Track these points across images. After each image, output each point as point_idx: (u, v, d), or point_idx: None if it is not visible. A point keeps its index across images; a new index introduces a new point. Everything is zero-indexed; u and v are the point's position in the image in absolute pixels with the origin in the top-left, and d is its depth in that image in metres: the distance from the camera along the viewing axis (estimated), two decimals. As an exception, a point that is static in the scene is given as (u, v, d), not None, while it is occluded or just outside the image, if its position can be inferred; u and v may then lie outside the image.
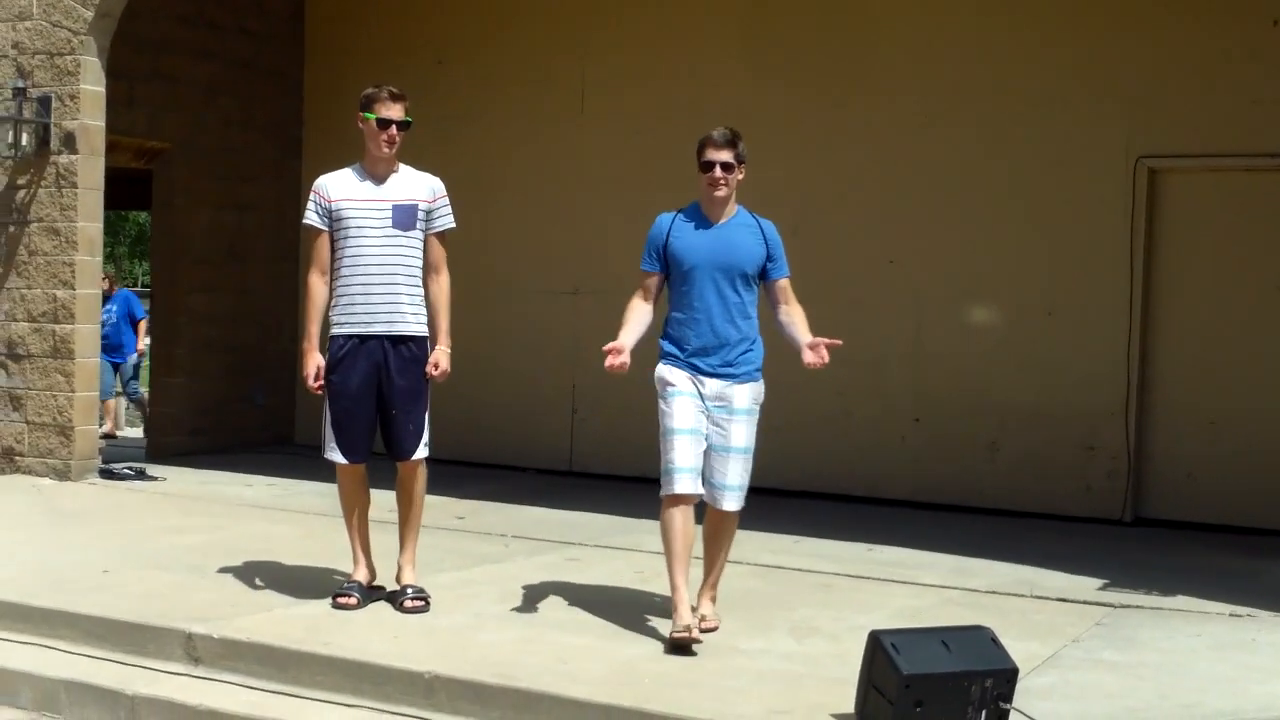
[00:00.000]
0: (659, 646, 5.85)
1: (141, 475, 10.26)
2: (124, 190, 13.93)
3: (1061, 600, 7.01)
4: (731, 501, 6.04)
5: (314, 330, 6.43)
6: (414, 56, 11.89)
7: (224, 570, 7.09)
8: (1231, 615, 6.73)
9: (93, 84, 10.10)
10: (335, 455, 6.43)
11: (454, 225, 6.53)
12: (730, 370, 5.99)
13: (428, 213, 6.43)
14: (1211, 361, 9.49)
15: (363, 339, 6.33)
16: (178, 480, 10.25)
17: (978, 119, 10.00)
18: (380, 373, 6.35)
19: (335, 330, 6.39)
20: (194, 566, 7.18)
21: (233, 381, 12.09)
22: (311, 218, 6.44)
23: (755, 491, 9.77)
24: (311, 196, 6.44)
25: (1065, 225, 9.79)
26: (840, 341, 5.94)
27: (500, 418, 11.63)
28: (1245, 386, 9.39)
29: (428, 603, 6.38)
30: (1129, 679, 5.57)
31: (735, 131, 6.03)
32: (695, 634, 5.73)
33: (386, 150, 6.37)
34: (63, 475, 10.01)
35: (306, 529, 8.48)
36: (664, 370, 6.04)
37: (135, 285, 55.06)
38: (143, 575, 6.97)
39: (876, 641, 4.78)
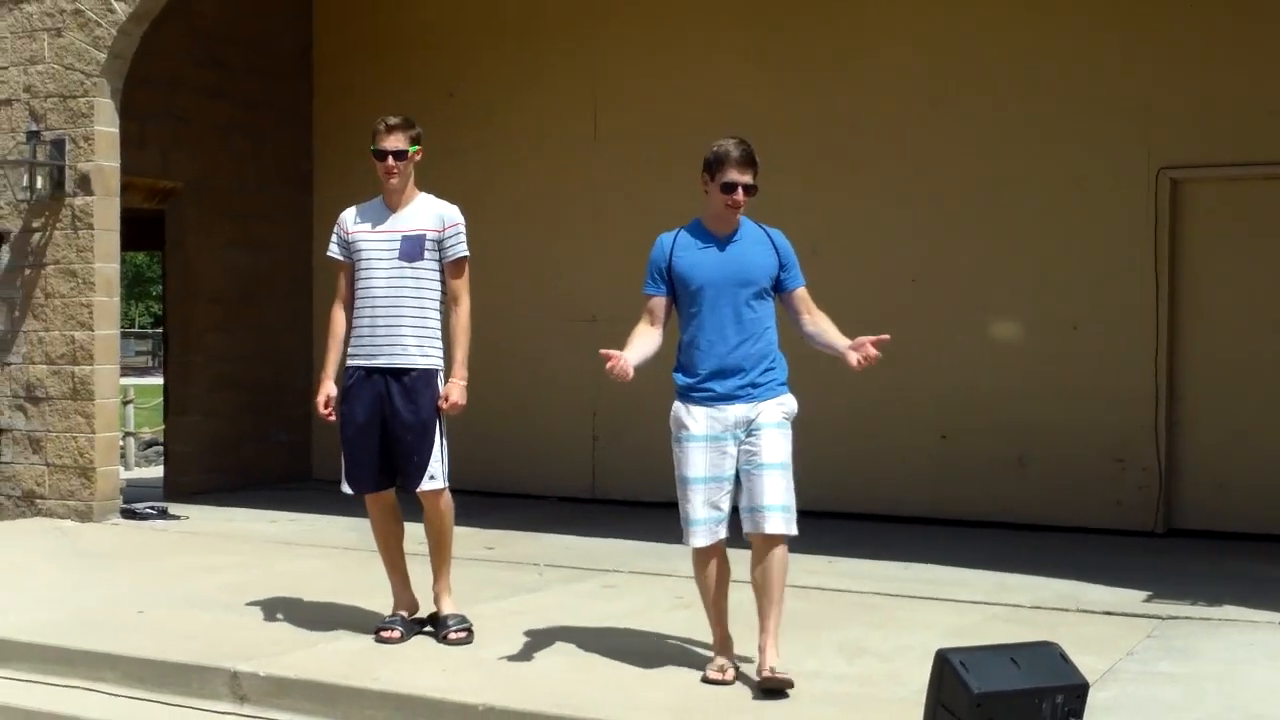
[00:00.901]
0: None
1: (164, 514, 10.19)
2: (128, 231, 13.90)
3: (1108, 614, 6.95)
4: (776, 522, 5.47)
5: (331, 359, 6.46)
6: (424, 89, 11.85)
7: (260, 607, 7.02)
8: (1281, 624, 6.68)
9: (106, 125, 10.07)
10: (345, 486, 6.46)
11: (467, 254, 6.40)
12: (753, 392, 5.60)
13: (438, 242, 6.34)
14: (1239, 371, 9.45)
15: (369, 372, 6.30)
16: (201, 519, 10.18)
17: (998, 134, 9.98)
18: (384, 405, 6.30)
19: (348, 362, 6.39)
20: (229, 604, 7.11)
21: (249, 419, 12.02)
22: (333, 249, 6.47)
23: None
24: (335, 228, 6.48)
25: (1088, 238, 9.76)
26: (889, 336, 5.61)
27: (520, 447, 11.57)
28: (1274, 395, 9.35)
29: (471, 633, 6.32)
30: (1191, 691, 5.51)
31: (750, 150, 5.68)
32: (728, 674, 5.57)
33: (391, 181, 6.33)
34: (85, 517, 9.93)
35: (338, 564, 8.40)
36: (679, 411, 5.66)
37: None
38: (179, 614, 6.89)
39: (944, 660, 4.72)
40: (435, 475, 6.34)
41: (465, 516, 9.78)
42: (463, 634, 6.28)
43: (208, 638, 6.39)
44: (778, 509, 5.48)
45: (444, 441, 6.40)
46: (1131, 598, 7.29)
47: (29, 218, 10.15)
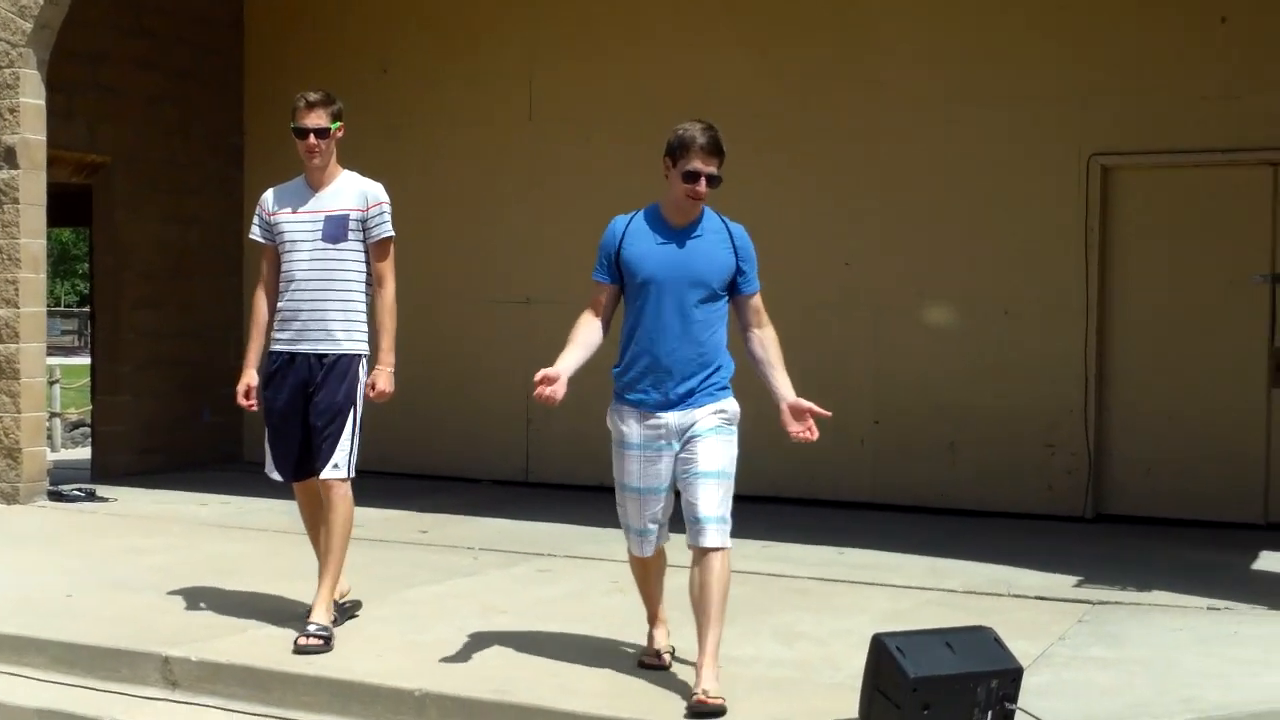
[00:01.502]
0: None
1: (92, 496, 10.04)
2: (54, 206, 13.66)
3: (1040, 598, 7.01)
4: (711, 535, 5.10)
5: (253, 347, 6.32)
6: (357, 65, 11.73)
7: (191, 591, 6.93)
8: (1209, 609, 6.77)
9: (33, 97, 9.87)
10: (271, 473, 6.34)
11: (392, 234, 6.18)
12: (688, 399, 5.24)
13: (362, 222, 6.12)
14: (1168, 357, 9.56)
15: (292, 357, 6.15)
16: (130, 501, 10.03)
17: (930, 119, 10.01)
18: (305, 391, 6.14)
19: (272, 347, 6.23)
20: (159, 588, 7.01)
21: (180, 399, 11.86)
22: (254, 232, 6.32)
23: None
24: (256, 210, 6.31)
25: (1020, 224, 9.82)
26: (829, 414, 5.32)
27: (453, 429, 11.50)
28: (1201, 381, 9.48)
29: (328, 642, 5.83)
30: (1123, 675, 5.57)
31: (717, 136, 5.20)
32: (664, 659, 5.59)
33: (313, 160, 6.12)
34: (10, 499, 9.76)
35: (269, 546, 8.32)
36: (614, 414, 5.39)
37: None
38: (108, 598, 6.79)
39: (881, 645, 4.73)
40: (339, 464, 6.09)
41: (400, 500, 9.84)
42: (318, 641, 5.80)
43: (138, 622, 6.30)
44: (713, 520, 5.13)
45: (356, 432, 6.15)
46: (1062, 582, 7.35)
47: (-47, 192, 9.94)
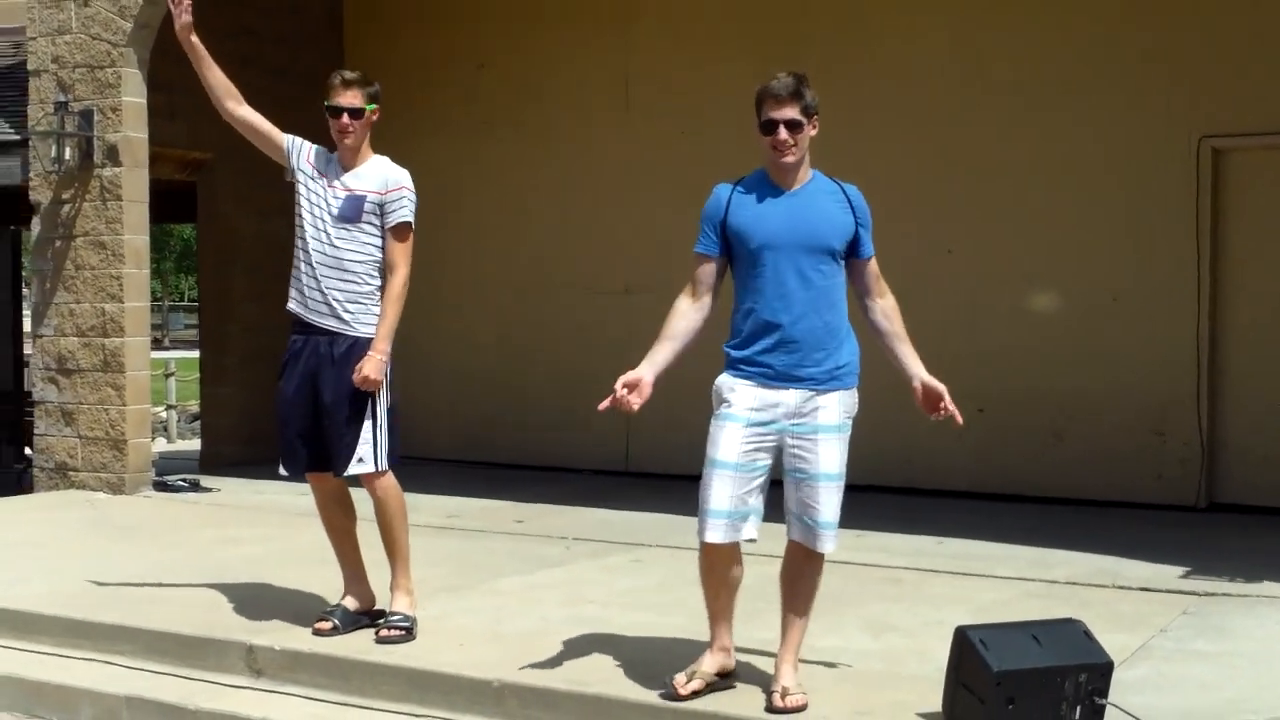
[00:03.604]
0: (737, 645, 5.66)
1: (196, 487, 10.17)
2: (168, 203, 13.88)
3: (1145, 590, 6.80)
4: (826, 541, 4.87)
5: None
6: (453, 62, 11.77)
7: (283, 581, 6.96)
8: (1322, 601, 6.51)
9: (134, 95, 10.03)
10: (280, 467, 6.06)
11: (409, 220, 5.92)
12: (815, 375, 4.85)
13: (380, 205, 5.86)
14: (1283, 342, 9.24)
15: (307, 335, 5.92)
16: (232, 491, 10.15)
17: (1036, 103, 9.78)
18: (315, 378, 5.88)
19: (289, 305, 6.07)
20: (252, 577, 7.05)
21: (284, 391, 11.96)
22: (289, 143, 6.07)
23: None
24: (294, 141, 6.07)
25: (1128, 208, 9.56)
26: (961, 423, 5.08)
27: (553, 419, 11.47)
28: (1319, 366, 9.15)
29: (410, 632, 5.78)
30: (1224, 670, 5.36)
31: (800, 77, 4.87)
32: (684, 688, 4.95)
33: (346, 141, 5.86)
34: (117, 489, 9.93)
35: (365, 538, 8.28)
36: (722, 382, 4.96)
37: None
38: (199, 587, 6.84)
39: (964, 637, 4.59)
40: (364, 458, 5.83)
41: (499, 490, 9.86)
42: (398, 632, 5.75)
43: (228, 611, 6.33)
44: (829, 526, 4.87)
45: (383, 420, 5.89)
46: (1169, 574, 7.12)
47: (58, 189, 10.13)
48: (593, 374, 11.47)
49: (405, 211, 5.92)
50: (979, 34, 9.96)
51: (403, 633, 5.79)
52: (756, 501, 4.90)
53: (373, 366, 5.79)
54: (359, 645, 5.73)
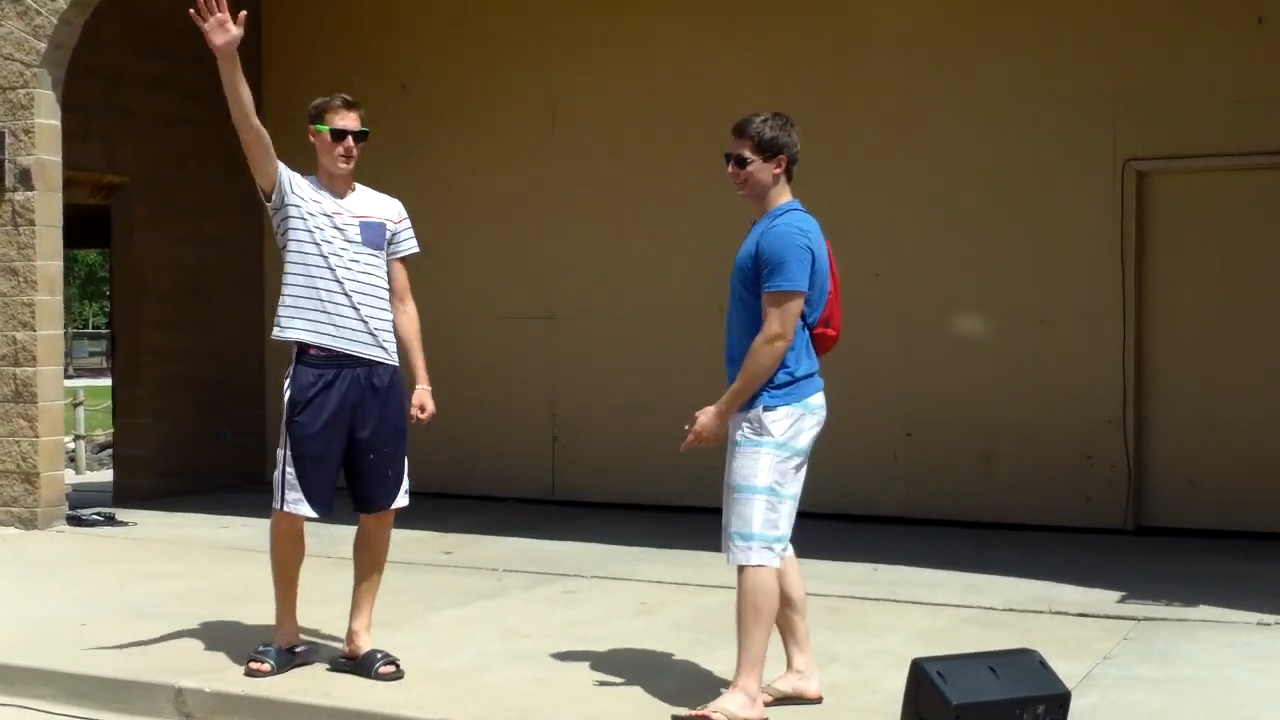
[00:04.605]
0: (679, 682, 5.57)
1: (111, 520, 9.89)
2: (75, 228, 13.55)
3: (1083, 615, 6.78)
4: (726, 551, 5.04)
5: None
6: (377, 83, 11.56)
7: (209, 619, 6.74)
8: (1260, 624, 6.53)
9: (47, 118, 9.76)
10: (302, 507, 5.62)
11: (418, 250, 5.94)
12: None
13: (393, 235, 5.84)
14: (1208, 365, 9.32)
15: (339, 367, 5.64)
16: (149, 525, 9.88)
17: (962, 126, 9.82)
18: (354, 411, 5.68)
19: (301, 336, 5.63)
20: (176, 616, 6.82)
21: (200, 420, 11.73)
22: (283, 186, 5.68)
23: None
24: (284, 172, 5.70)
25: (1054, 232, 9.60)
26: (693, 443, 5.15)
27: (477, 447, 11.32)
28: (1242, 389, 9.23)
29: (399, 666, 5.67)
30: (1173, 696, 5.33)
31: (747, 120, 5.16)
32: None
33: (343, 166, 5.69)
34: (29, 524, 9.62)
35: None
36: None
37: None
38: (123, 627, 6.60)
39: (921, 670, 4.52)
40: (405, 490, 5.83)
41: (423, 520, 9.61)
42: (392, 668, 5.64)
43: (153, 652, 6.12)
44: (732, 535, 5.01)
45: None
46: (1105, 598, 7.12)
47: (-33, 215, 9.82)
48: (517, 400, 11.40)
49: (415, 242, 5.95)
50: (904, 61, 9.98)
51: (396, 667, 5.68)
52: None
53: (430, 399, 5.85)
54: (294, 686, 5.55)
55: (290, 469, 5.62)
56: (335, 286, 5.66)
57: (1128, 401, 9.41)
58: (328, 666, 5.81)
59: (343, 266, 5.68)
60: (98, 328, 54.84)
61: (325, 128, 5.70)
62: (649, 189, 10.76)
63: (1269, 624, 6.51)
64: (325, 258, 5.66)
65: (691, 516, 10.08)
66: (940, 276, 9.89)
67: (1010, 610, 6.95)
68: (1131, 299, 9.41)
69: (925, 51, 9.93)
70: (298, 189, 5.71)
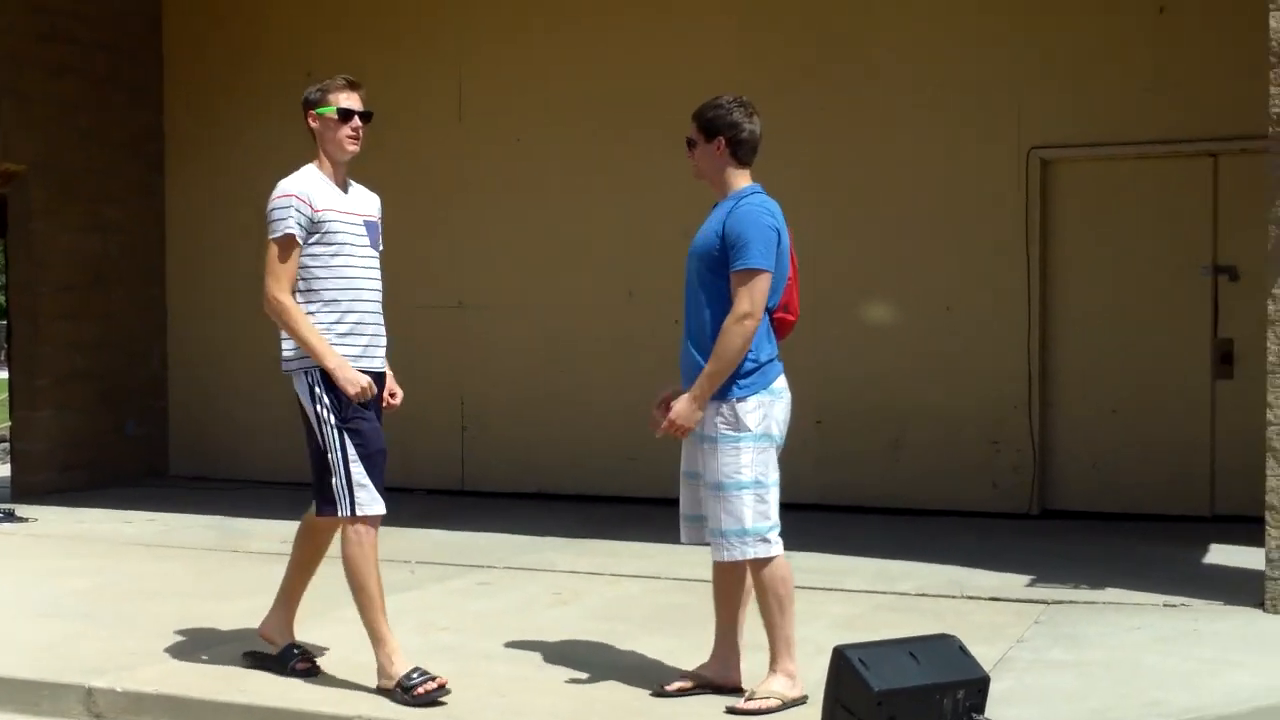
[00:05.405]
0: (599, 671, 5.56)
1: (11, 517, 9.67)
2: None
3: (994, 599, 6.87)
4: (716, 549, 5.10)
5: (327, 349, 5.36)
6: (280, 68, 11.41)
7: (116, 616, 6.63)
8: (1165, 605, 6.65)
9: (-59, 104, 9.52)
10: (377, 506, 5.43)
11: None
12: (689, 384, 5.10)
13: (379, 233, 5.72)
14: (1111, 351, 9.47)
15: (374, 376, 5.49)
16: (51, 520, 9.68)
17: (868, 113, 9.87)
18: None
19: (357, 364, 5.44)
20: (83, 613, 6.71)
21: (102, 413, 11.50)
22: (293, 227, 5.33)
23: (657, 504, 9.65)
24: (288, 201, 5.35)
25: (960, 219, 9.70)
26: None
27: (386, 438, 11.18)
28: (1145, 374, 9.39)
29: (314, 663, 5.63)
30: (1084, 679, 5.42)
31: (702, 106, 5.27)
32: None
33: (352, 148, 5.47)
34: (-76, 521, 9.40)
35: (198, 566, 8.02)
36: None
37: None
38: (28, 625, 6.48)
39: (843, 657, 4.55)
40: None
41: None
42: (308, 664, 5.59)
43: (60, 650, 6.00)
44: (716, 534, 5.09)
45: None
46: (1015, 582, 7.22)
47: None
48: (425, 390, 11.29)
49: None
50: (812, 48, 10.01)
51: (313, 664, 5.64)
52: (693, 507, 5.24)
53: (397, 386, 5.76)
54: (206, 683, 5.47)
55: (357, 468, 5.37)
56: (373, 298, 5.56)
57: (1032, 388, 9.54)
58: (245, 663, 5.72)
59: (369, 277, 5.54)
60: (-9, 317, 53.68)
61: (330, 109, 5.47)
62: (557, 177, 10.71)
63: (1174, 605, 6.63)
64: (345, 259, 5.45)
65: (604, 506, 10.09)
66: (847, 265, 9.94)
67: (923, 595, 7.03)
68: (1036, 286, 9.53)
69: (829, 37, 9.97)
70: (318, 205, 5.41)
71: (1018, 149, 9.53)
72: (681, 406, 5.04)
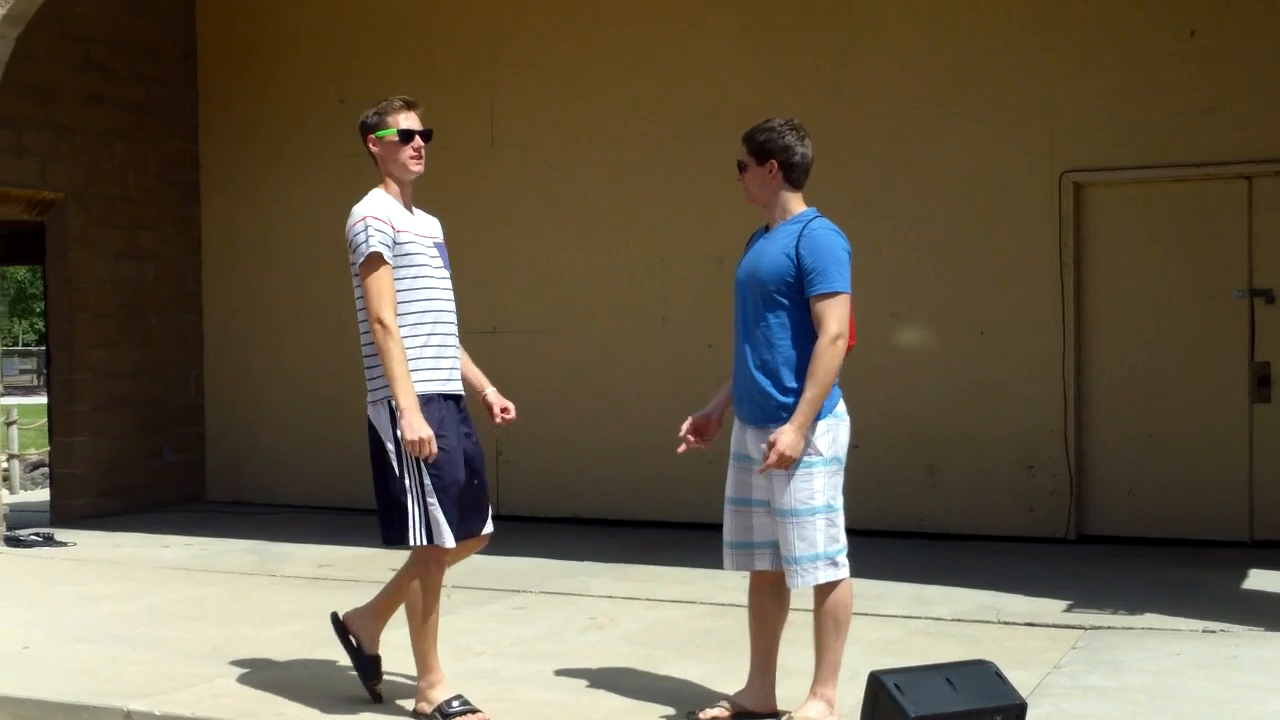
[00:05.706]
0: (634, 698, 5.56)
1: (50, 541, 9.75)
2: (10, 244, 13.38)
3: (1030, 625, 6.84)
4: (793, 576, 5.05)
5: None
6: (313, 95, 11.54)
7: (154, 640, 6.67)
8: (1205, 631, 6.60)
9: (-20, 133, 9.62)
10: (449, 539, 5.28)
11: None
12: (760, 412, 5.10)
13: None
14: (1146, 375, 9.43)
15: (452, 400, 5.39)
16: (90, 544, 9.74)
17: (900, 138, 9.88)
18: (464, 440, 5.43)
19: (424, 388, 5.25)
20: (121, 637, 6.75)
21: (139, 439, 11.58)
22: (379, 246, 5.19)
23: (692, 528, 9.65)
24: (369, 224, 5.21)
25: (993, 243, 9.68)
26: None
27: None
28: (1181, 398, 9.34)
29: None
30: (1124, 705, 5.38)
31: (753, 130, 5.32)
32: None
33: (416, 168, 5.38)
34: (-36, 546, 9.47)
35: (235, 590, 8.06)
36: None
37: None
38: (67, 649, 6.52)
39: (879, 683, 4.54)
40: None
41: (366, 538, 9.52)
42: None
43: (99, 674, 6.04)
44: (791, 561, 5.03)
45: None
46: (1052, 607, 7.18)
47: (-100, 232, 9.67)
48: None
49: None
50: (843, 68, 10.03)
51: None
52: (761, 536, 5.18)
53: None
54: (244, 707, 5.50)
55: (433, 499, 5.24)
56: (450, 320, 5.47)
57: (1068, 412, 9.50)
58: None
59: (447, 300, 5.47)
60: (28, 345, 54.13)
61: (390, 131, 5.39)
62: (589, 202, 10.76)
63: (1214, 631, 6.59)
64: (427, 284, 5.37)
65: (639, 530, 10.10)
66: (882, 290, 9.92)
67: (959, 620, 6.99)
68: (1071, 310, 9.50)
69: (860, 64, 9.98)
70: (399, 226, 5.32)
71: (1050, 172, 9.52)
72: (788, 438, 4.94)
